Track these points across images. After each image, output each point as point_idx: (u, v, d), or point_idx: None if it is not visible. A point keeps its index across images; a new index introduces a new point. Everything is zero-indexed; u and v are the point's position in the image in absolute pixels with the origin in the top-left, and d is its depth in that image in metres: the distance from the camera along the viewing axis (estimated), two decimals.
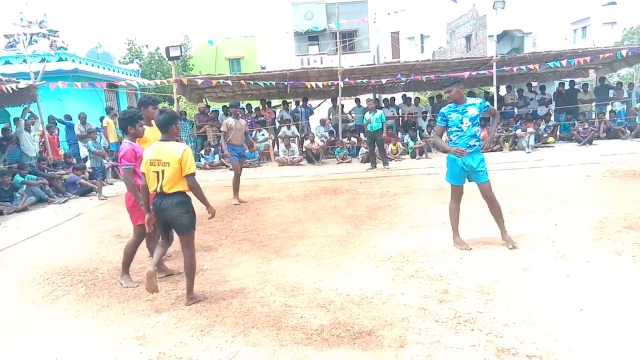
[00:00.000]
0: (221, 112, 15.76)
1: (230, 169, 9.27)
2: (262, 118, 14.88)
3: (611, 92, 14.76)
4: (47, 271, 5.18)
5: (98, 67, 17.41)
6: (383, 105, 15.77)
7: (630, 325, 3.16)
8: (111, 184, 11.22)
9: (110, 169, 11.59)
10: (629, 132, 13.57)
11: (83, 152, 12.48)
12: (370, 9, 30.68)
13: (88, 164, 11.56)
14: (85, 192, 10.24)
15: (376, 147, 11.16)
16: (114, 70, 18.76)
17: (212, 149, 13.57)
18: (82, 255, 5.76)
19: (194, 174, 3.88)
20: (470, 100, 5.07)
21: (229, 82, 13.91)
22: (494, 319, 3.35)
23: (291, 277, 4.47)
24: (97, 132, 11.09)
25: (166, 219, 3.95)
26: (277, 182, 10.13)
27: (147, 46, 26.51)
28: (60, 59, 15.41)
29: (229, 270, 4.81)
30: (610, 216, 5.68)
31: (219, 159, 13.28)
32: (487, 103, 5.06)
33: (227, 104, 7.92)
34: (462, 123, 4.96)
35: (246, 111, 15.46)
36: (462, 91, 5.05)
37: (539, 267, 4.28)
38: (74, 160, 11.56)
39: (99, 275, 5.00)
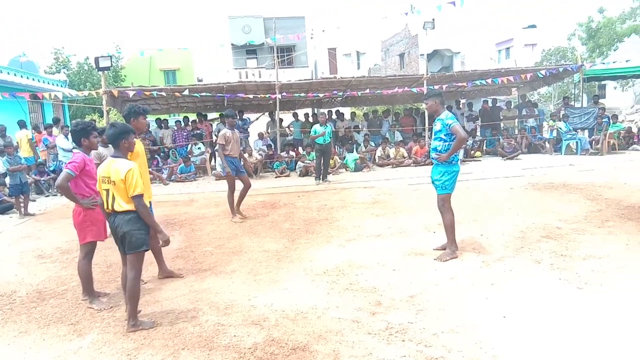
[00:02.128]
0: (154, 125, 15.28)
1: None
2: (198, 131, 14.59)
3: (524, 110, 15.86)
4: None
5: (21, 76, 16.37)
6: (336, 118, 15.98)
7: (548, 329, 3.36)
8: (33, 201, 10.52)
9: (33, 184, 10.88)
10: (548, 146, 14.58)
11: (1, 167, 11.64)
12: (308, 25, 31.15)
13: (7, 179, 10.80)
14: (4, 209, 9.53)
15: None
16: (38, 80, 17.70)
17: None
18: None
19: (140, 195, 3.65)
20: (444, 114, 5.10)
21: (163, 93, 13.53)
22: (423, 329, 3.46)
23: (225, 294, 4.38)
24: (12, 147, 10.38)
25: (120, 237, 3.74)
26: (214, 197, 9.92)
27: (75, 55, 25.23)
28: None
29: (160, 289, 4.64)
30: (531, 226, 6.05)
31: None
32: (449, 122, 4.98)
33: (224, 113, 7.26)
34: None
35: (182, 124, 15.10)
36: (437, 105, 5.12)
37: (466, 277, 4.47)
38: None
39: (17, 298, 4.65)
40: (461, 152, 13.09)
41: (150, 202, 4.57)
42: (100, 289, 4.67)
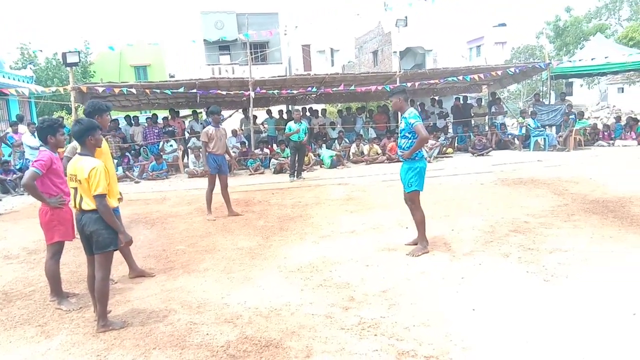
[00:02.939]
0: (123, 122, 14.99)
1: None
2: (170, 128, 14.38)
3: (494, 107, 16.20)
4: None
5: None
6: (309, 115, 15.97)
7: (516, 321, 3.46)
8: None
9: None
10: (517, 142, 14.92)
11: None
12: (282, 21, 31.02)
13: None
14: None
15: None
16: (3, 76, 17.10)
17: (115, 161, 12.82)
18: None
19: (102, 195, 3.56)
20: (407, 112, 5.12)
21: (133, 90, 13.27)
22: (395, 323, 3.51)
23: (198, 293, 4.34)
24: None
25: (87, 236, 3.66)
26: (187, 195, 9.83)
27: (41, 51, 24.49)
28: None
29: (131, 289, 4.56)
30: (500, 221, 6.20)
31: (123, 172, 12.60)
32: (412, 121, 5.02)
33: (210, 110, 6.92)
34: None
35: (152, 120, 14.84)
36: (401, 102, 5.15)
37: (437, 271, 4.55)
38: None
39: None
40: (436, 150, 13.34)
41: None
42: (69, 289, 4.57)
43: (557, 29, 26.76)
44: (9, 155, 12.15)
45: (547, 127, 14.65)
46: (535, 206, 6.90)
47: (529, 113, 14.88)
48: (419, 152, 5.14)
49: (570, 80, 28.12)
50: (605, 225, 5.75)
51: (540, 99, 16.28)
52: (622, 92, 34.04)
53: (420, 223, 5.19)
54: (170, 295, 4.31)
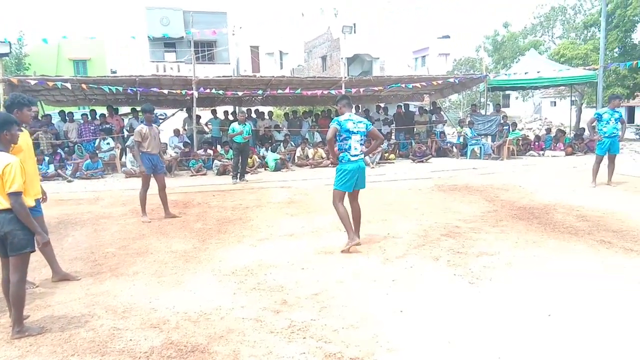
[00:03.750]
0: (57, 117, 14.27)
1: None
2: (107, 125, 13.82)
3: (434, 116, 16.80)
4: None
5: None
6: (255, 117, 15.81)
7: (441, 322, 3.58)
8: None
9: None
10: (455, 150, 15.51)
11: None
12: (230, 21, 30.64)
13: None
14: None
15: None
16: None
17: (46, 159, 12.17)
18: None
19: (17, 193, 3.36)
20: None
21: (68, 85, 12.64)
22: (325, 326, 3.53)
23: (125, 297, 4.18)
24: None
25: (1, 238, 3.42)
26: (122, 195, 9.47)
27: None
28: None
29: (53, 293, 4.33)
30: (433, 225, 6.41)
31: (55, 170, 11.97)
32: (331, 124, 5.59)
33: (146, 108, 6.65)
34: None
35: (89, 117, 14.21)
36: (342, 107, 5.61)
37: (370, 274, 4.63)
38: None
39: None
40: (378, 156, 13.61)
41: (38, 200, 4.25)
42: None
43: (496, 43, 28.11)
44: None
45: (483, 136, 15.33)
46: (467, 212, 7.19)
47: (467, 122, 15.50)
48: (344, 155, 5.48)
49: (507, 92, 29.61)
50: (530, 230, 6.08)
51: (477, 110, 17.01)
52: (555, 105, 36.31)
53: (342, 218, 5.50)
54: (95, 300, 4.13)
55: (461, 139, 15.30)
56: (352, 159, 5.46)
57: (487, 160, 14.16)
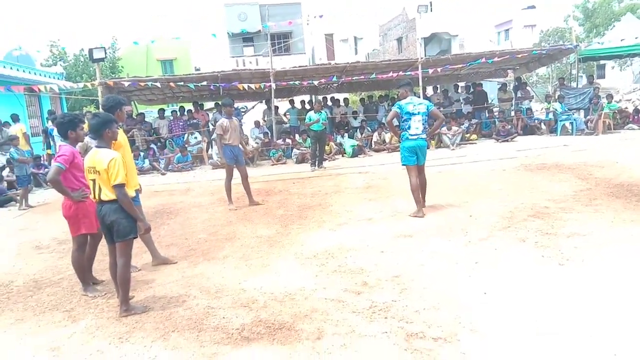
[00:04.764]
0: (152, 115, 15.34)
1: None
2: (194, 120, 14.63)
3: (519, 92, 15.84)
4: None
5: (17, 70, 16.39)
6: (331, 104, 16.02)
7: (527, 304, 3.46)
8: (32, 193, 10.64)
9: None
10: (544, 127, 14.59)
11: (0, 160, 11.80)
12: (304, 11, 30.96)
13: (5, 172, 10.94)
14: (2, 202, 9.65)
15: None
16: (35, 74, 17.71)
17: (142, 154, 13.18)
18: None
19: (121, 185, 3.72)
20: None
21: (158, 84, 13.55)
22: (406, 307, 3.56)
23: (217, 279, 4.48)
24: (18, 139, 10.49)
25: (107, 226, 3.83)
26: (210, 186, 10.03)
27: (67, 47, 25.21)
28: None
29: (153, 275, 4.75)
30: (520, 206, 6.13)
31: (150, 164, 12.93)
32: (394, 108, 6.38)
33: (220, 102, 7.10)
34: None
35: (178, 114, 15.16)
36: (405, 92, 6.33)
37: (451, 256, 4.57)
38: None
39: (14, 288, 4.78)
40: (458, 137, 13.19)
41: (136, 191, 4.65)
42: (101, 275, 4.77)
43: (586, 10, 25.87)
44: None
45: (575, 111, 14.27)
46: (557, 191, 6.79)
47: (556, 97, 14.50)
48: (402, 133, 6.27)
49: (601, 62, 27.20)
50: (627, 209, 5.63)
51: (566, 83, 15.83)
52: None
53: (412, 191, 6.23)
54: (190, 282, 4.47)
55: (550, 115, 14.34)
56: (411, 137, 6.18)
57: (580, 136, 13.18)
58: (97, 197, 3.79)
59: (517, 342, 2.98)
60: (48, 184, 11.52)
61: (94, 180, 3.77)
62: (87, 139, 4.68)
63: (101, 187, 3.74)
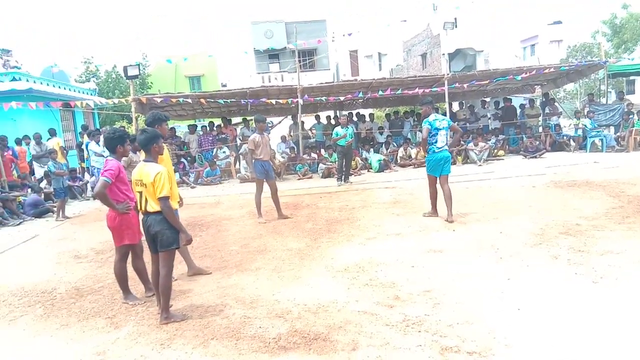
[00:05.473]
0: (185, 129, 15.73)
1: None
2: (223, 135, 14.96)
3: (547, 108, 15.70)
4: (3, 293, 5.12)
5: (53, 86, 17.08)
6: (356, 119, 16.19)
7: (561, 321, 3.47)
8: (68, 205, 11.02)
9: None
10: (573, 144, 14.42)
11: (38, 172, 12.27)
12: (329, 28, 31.41)
13: (42, 184, 11.37)
14: (41, 213, 10.03)
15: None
16: (69, 90, 18.43)
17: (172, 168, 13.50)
18: (39, 276, 5.69)
19: (166, 197, 3.88)
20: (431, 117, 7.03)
21: (189, 100, 13.94)
22: (439, 321, 3.61)
23: (251, 290, 4.61)
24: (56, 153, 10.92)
25: (152, 236, 4.01)
26: (239, 199, 10.23)
27: (102, 65, 26.11)
28: (14, 79, 15.06)
29: (189, 285, 4.90)
30: (550, 223, 6.11)
31: (180, 177, 13.25)
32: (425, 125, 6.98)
33: (251, 118, 7.39)
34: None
35: (207, 129, 15.52)
36: (429, 109, 7.08)
37: (483, 272, 4.59)
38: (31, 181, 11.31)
39: (57, 295, 4.98)
40: (485, 152, 13.14)
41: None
42: (136, 285, 4.94)
43: (614, 26, 25.55)
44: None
45: (604, 127, 14.08)
46: (588, 208, 6.73)
47: (585, 113, 14.34)
48: (430, 147, 6.93)
49: (631, 78, 26.76)
50: None
51: (595, 99, 15.63)
52: None
53: (429, 197, 7.19)
54: (226, 292, 4.60)
55: (579, 132, 14.18)
56: (437, 150, 6.89)
57: (610, 153, 12.97)
58: (143, 208, 3.98)
59: (552, 359, 3.00)
60: (83, 195, 11.96)
61: (140, 193, 3.96)
62: (130, 154, 4.89)
63: (147, 199, 3.92)
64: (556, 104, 16.34)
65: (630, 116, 13.67)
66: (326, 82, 16.63)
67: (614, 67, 15.02)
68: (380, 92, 14.68)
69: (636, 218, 6.02)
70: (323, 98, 14.88)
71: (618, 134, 13.78)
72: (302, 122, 15.54)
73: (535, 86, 18.16)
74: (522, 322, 3.50)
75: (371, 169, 13.47)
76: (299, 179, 13.09)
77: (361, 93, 15.09)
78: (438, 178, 6.96)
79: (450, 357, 3.10)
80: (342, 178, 11.37)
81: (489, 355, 3.07)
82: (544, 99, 16.61)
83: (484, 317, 3.62)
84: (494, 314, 3.65)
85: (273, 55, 31.52)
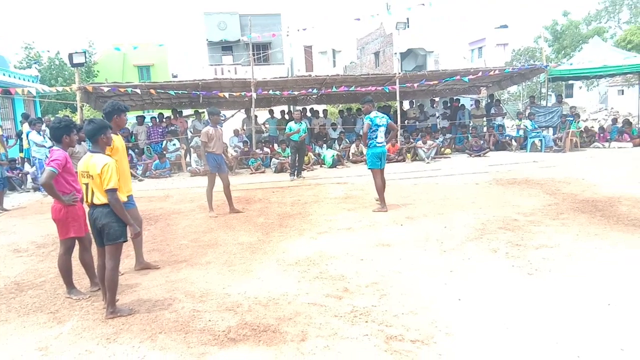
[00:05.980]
0: (134, 120, 15.26)
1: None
2: (173, 127, 14.64)
3: (492, 109, 16.42)
4: None
5: None
6: (310, 115, 16.23)
7: (499, 310, 3.69)
8: (6, 197, 10.45)
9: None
10: (514, 143, 15.15)
11: None
12: (284, 22, 31.27)
13: None
14: None
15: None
16: (9, 76, 17.40)
17: None
18: None
19: (113, 189, 3.81)
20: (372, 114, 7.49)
21: (138, 90, 13.53)
22: (385, 311, 3.74)
23: (200, 284, 4.58)
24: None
25: (98, 229, 3.91)
26: (189, 193, 10.08)
27: (48, 51, 24.81)
28: None
29: (137, 280, 4.81)
30: (491, 218, 6.43)
31: None
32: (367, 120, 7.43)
33: (206, 110, 7.16)
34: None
35: (157, 120, 15.12)
36: (370, 107, 7.58)
37: (427, 265, 4.79)
38: None
39: None
40: (433, 150, 13.58)
41: (130, 196, 4.73)
42: (78, 280, 4.80)
43: (555, 32, 26.99)
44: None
45: (544, 128, 14.87)
46: (526, 205, 7.13)
47: (526, 115, 15.09)
48: (371, 142, 7.39)
49: (570, 82, 28.34)
50: (592, 223, 5.98)
51: (536, 101, 16.48)
52: (622, 94, 34.21)
53: (377, 190, 7.49)
54: (175, 286, 4.55)
55: (521, 132, 14.92)
56: (378, 145, 7.39)
57: (549, 153, 13.75)
58: (89, 200, 3.87)
59: (489, 345, 3.20)
60: (22, 186, 11.39)
61: (87, 184, 3.85)
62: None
63: (94, 191, 3.82)
64: (501, 105, 17.10)
65: (568, 118, 14.51)
66: (280, 77, 16.60)
67: (554, 71, 15.87)
68: (334, 89, 14.83)
69: (569, 214, 6.44)
70: (277, 92, 14.85)
71: (556, 135, 14.60)
72: (256, 116, 15.45)
73: (482, 87, 18.90)
74: (463, 311, 3.70)
75: (324, 164, 13.60)
76: (251, 174, 13.03)
77: (315, 89, 15.18)
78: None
79: (395, 345, 3.23)
80: (295, 173, 11.43)
81: (431, 343, 3.23)
82: (489, 100, 17.32)
83: (427, 307, 3.79)
84: (437, 305, 3.83)
85: (226, 47, 31.06)
